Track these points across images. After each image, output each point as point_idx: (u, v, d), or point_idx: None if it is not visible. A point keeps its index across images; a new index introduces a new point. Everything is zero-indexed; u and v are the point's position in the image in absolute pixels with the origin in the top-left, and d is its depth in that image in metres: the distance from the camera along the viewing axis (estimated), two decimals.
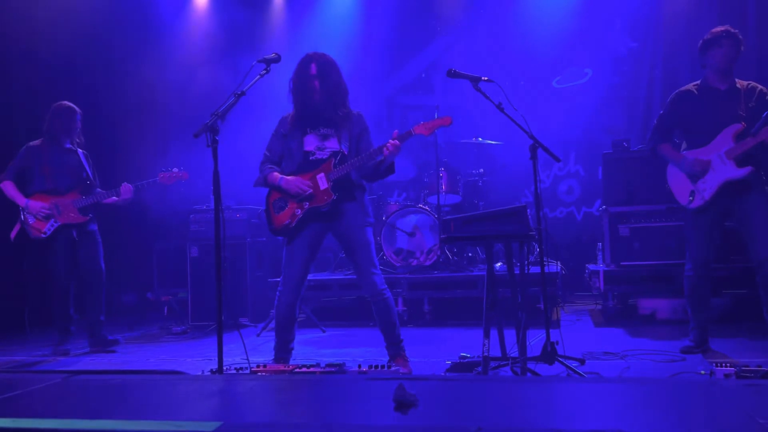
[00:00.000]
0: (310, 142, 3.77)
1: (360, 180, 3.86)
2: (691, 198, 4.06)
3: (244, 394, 2.40)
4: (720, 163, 3.95)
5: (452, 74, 3.81)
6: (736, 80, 4.06)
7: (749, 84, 4.05)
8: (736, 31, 4.01)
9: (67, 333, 5.10)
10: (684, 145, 4.23)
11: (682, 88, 4.21)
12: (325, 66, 3.72)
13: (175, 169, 5.12)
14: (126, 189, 5.04)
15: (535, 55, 8.18)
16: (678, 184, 4.15)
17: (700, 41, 4.10)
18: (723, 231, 4.21)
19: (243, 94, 3.45)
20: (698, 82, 4.17)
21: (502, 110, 3.73)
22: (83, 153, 5.24)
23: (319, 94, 3.69)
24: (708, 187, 3.98)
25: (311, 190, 3.67)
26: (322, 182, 3.68)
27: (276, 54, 3.64)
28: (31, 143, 5.13)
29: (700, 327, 4.14)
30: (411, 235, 6.26)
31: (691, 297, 4.17)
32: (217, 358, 3.19)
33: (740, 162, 3.90)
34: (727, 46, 3.97)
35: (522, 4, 8.10)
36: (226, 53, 8.14)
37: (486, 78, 3.75)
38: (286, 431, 1.68)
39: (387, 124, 8.58)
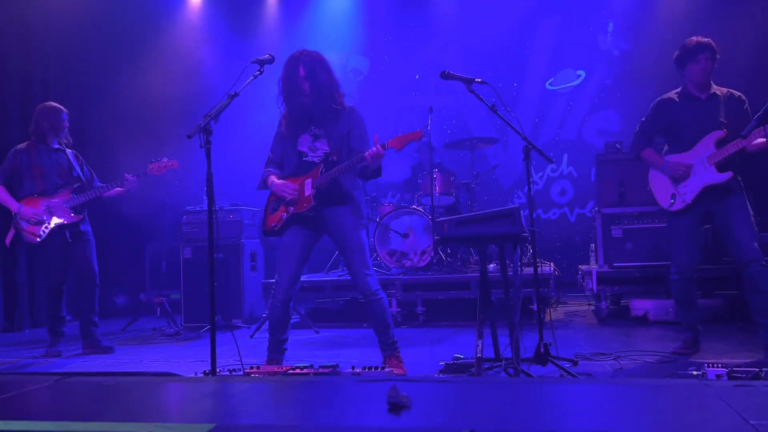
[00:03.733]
0: (303, 143, 3.76)
1: (353, 182, 3.84)
2: (672, 201, 4.13)
3: (238, 395, 2.39)
4: (702, 168, 4.03)
5: (446, 76, 3.81)
6: (715, 87, 4.13)
7: (728, 91, 4.13)
8: (709, 40, 4.07)
9: (58, 335, 5.08)
10: (666, 149, 4.30)
11: (664, 96, 4.28)
12: (313, 65, 3.68)
13: (165, 159, 5.07)
14: (130, 179, 5.04)
15: (528, 57, 8.22)
16: (659, 187, 4.23)
17: (675, 54, 4.17)
18: (713, 233, 4.25)
19: (236, 95, 3.44)
20: (679, 89, 4.23)
21: (495, 112, 3.74)
22: (72, 152, 5.21)
23: (309, 96, 3.67)
24: (689, 190, 4.06)
25: (294, 195, 3.67)
26: (307, 188, 3.68)
27: (270, 55, 3.63)
28: (19, 146, 5.09)
29: (690, 329, 4.19)
30: (405, 236, 6.26)
31: (679, 300, 4.23)
32: (210, 360, 3.18)
33: (721, 167, 3.99)
34: (704, 60, 4.04)
35: (515, 6, 8.12)
36: (220, 53, 8.13)
37: (479, 79, 3.76)
38: None
39: (381, 124, 8.58)
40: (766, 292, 3.87)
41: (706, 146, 4.04)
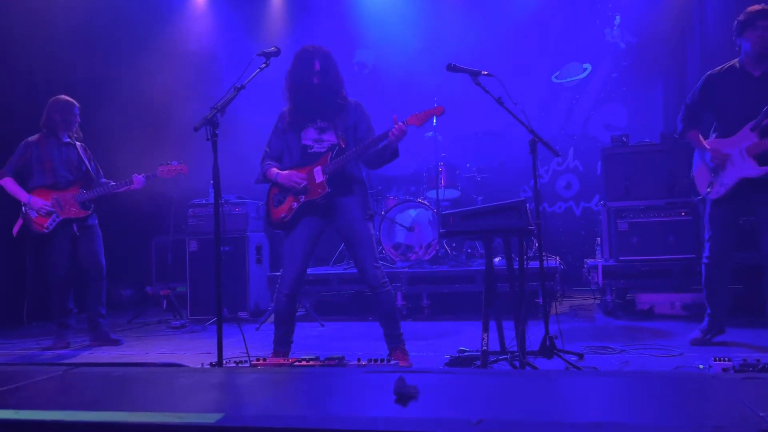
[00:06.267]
0: (308, 136, 3.76)
1: (359, 174, 3.85)
2: (709, 189, 4.02)
3: (245, 386, 2.40)
4: (740, 159, 3.85)
5: (452, 68, 3.80)
6: None
7: None
8: None
9: (65, 327, 5.10)
10: (714, 128, 4.13)
11: (715, 70, 4.05)
12: (327, 60, 3.72)
13: (175, 163, 5.13)
14: (138, 179, 5.08)
15: (534, 50, 8.19)
16: (700, 173, 4.10)
17: (735, 21, 3.92)
18: (748, 224, 4.14)
19: (242, 87, 3.44)
20: (732, 63, 4.00)
21: (501, 104, 3.73)
22: (82, 146, 5.23)
23: (320, 89, 3.70)
24: (725, 181, 3.93)
25: (305, 183, 3.67)
26: (318, 175, 3.68)
27: (276, 47, 3.63)
28: (29, 138, 5.12)
29: (714, 315, 4.12)
30: (410, 229, 6.27)
31: (708, 284, 4.15)
32: (216, 352, 3.19)
33: (760, 159, 3.80)
34: (762, 28, 3.77)
35: None
36: (225, 45, 8.12)
37: (486, 72, 3.75)
38: (288, 422, 1.69)
39: (386, 117, 8.55)
40: None
41: (747, 134, 3.84)
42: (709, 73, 4.09)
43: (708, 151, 3.98)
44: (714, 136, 4.09)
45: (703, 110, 4.11)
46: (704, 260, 4.15)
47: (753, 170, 3.82)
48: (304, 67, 3.70)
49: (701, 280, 4.20)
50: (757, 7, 3.85)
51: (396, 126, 3.55)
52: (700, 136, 4.10)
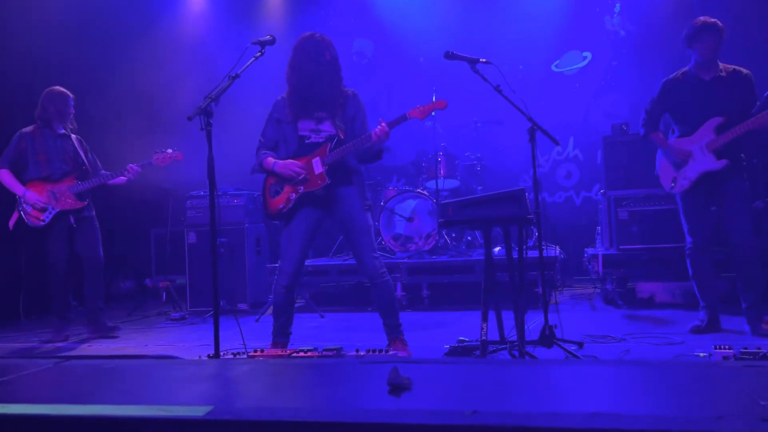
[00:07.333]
0: (305, 126, 3.72)
1: (357, 164, 3.82)
2: (673, 184, 4.25)
3: (239, 378, 2.37)
4: (700, 155, 4.10)
5: (450, 56, 3.78)
6: (721, 67, 4.13)
7: (733, 69, 4.12)
8: (714, 20, 4.06)
9: (64, 320, 5.08)
10: (674, 130, 4.36)
11: (670, 77, 4.32)
12: (334, 51, 3.70)
13: (170, 150, 5.07)
14: (134, 168, 5.03)
15: (533, 38, 8.10)
16: (664, 170, 4.34)
17: (683, 35, 4.17)
18: (716, 214, 4.29)
19: (237, 76, 3.39)
20: (685, 69, 4.26)
21: (500, 92, 3.69)
22: (77, 138, 5.18)
23: (327, 81, 3.66)
24: (688, 176, 4.16)
25: (305, 173, 3.63)
26: (317, 166, 3.64)
27: (271, 36, 3.58)
28: (24, 130, 5.07)
29: (708, 306, 4.21)
30: (409, 220, 6.23)
31: (696, 275, 4.27)
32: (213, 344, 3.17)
33: (719, 154, 4.04)
34: (707, 39, 4.04)
35: None
36: (220, 33, 8.06)
37: (484, 60, 3.71)
38: (278, 415, 1.66)
39: (385, 107, 8.51)
40: (752, 272, 4.05)
41: (706, 132, 4.10)
42: (665, 80, 4.34)
43: (671, 148, 4.22)
44: (674, 137, 4.32)
45: (661, 114, 4.39)
46: (687, 251, 4.29)
47: (713, 164, 4.07)
48: (313, 57, 3.64)
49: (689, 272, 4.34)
50: (700, 20, 4.10)
51: (378, 128, 3.53)
52: (662, 136, 4.37)
